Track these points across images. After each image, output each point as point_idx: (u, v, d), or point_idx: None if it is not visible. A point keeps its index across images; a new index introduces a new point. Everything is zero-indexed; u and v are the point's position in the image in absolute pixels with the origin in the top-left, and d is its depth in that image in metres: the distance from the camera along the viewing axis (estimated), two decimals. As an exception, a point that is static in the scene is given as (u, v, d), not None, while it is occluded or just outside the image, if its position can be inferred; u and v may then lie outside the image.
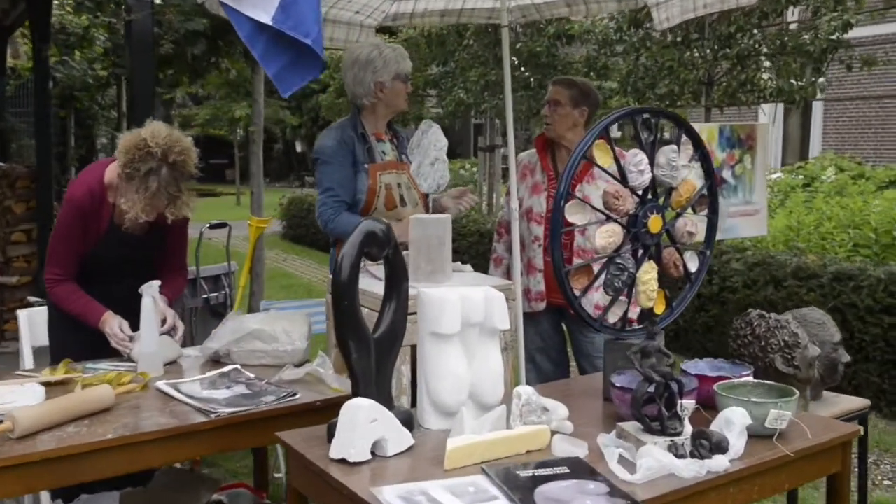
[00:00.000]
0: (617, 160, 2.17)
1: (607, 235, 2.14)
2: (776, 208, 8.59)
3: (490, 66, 8.85)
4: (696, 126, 6.18)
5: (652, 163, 2.20)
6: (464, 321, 2.02)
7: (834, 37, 5.51)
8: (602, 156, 2.16)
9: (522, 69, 8.48)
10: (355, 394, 1.95)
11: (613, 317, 2.29)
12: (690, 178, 2.31)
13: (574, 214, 2.14)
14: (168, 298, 2.81)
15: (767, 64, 6.02)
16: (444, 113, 9.99)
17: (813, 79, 5.91)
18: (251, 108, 20.13)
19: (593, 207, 2.16)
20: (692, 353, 6.02)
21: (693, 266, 2.40)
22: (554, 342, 3.54)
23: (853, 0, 5.44)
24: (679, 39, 6.75)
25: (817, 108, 15.19)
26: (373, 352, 1.96)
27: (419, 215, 2.75)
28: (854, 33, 6.04)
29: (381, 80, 3.03)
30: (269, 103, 22.86)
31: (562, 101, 3.34)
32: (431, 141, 2.70)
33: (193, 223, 2.89)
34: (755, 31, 6.13)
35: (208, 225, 4.15)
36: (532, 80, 8.35)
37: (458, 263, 2.92)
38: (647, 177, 2.19)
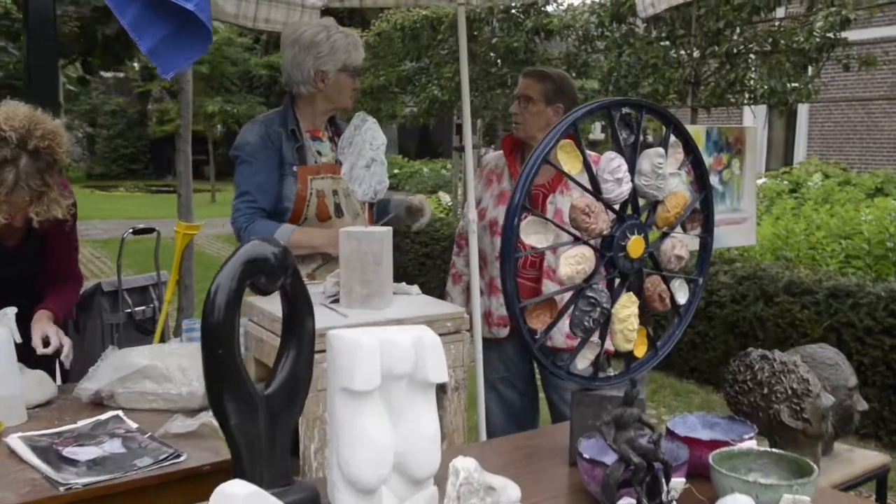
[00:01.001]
0: (588, 166, 1.71)
1: (575, 262, 1.67)
2: (762, 215, 8.23)
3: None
4: None
5: (633, 170, 1.74)
6: (386, 373, 1.55)
7: (830, 34, 5.09)
8: (568, 160, 1.69)
9: (499, 65, 8.03)
10: (237, 471, 1.47)
11: (583, 362, 1.82)
12: (680, 188, 1.85)
13: (532, 234, 1.68)
14: (56, 315, 2.36)
15: (758, 62, 5.60)
16: (419, 111, 9.52)
17: (807, 80, 5.49)
18: (226, 104, 19.27)
19: (556, 225, 1.70)
20: (675, 373, 5.59)
21: (682, 297, 1.94)
22: (520, 371, 3.08)
23: (851, -6, 5.03)
24: (664, 35, 6.33)
25: (802, 111, 14.88)
26: (262, 414, 1.49)
27: (350, 228, 2.28)
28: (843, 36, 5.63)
29: (324, 70, 2.56)
30: (245, 98, 22.43)
31: (533, 96, 2.88)
32: (366, 139, 2.22)
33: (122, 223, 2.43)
34: (745, 28, 5.71)
35: (131, 230, 3.65)
36: (510, 77, 7.90)
37: (403, 284, 2.45)
38: (627, 187, 1.73)
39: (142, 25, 1.74)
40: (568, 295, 1.74)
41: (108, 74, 24.95)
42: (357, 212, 2.63)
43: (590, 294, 1.71)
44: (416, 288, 2.48)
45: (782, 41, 5.48)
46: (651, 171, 1.75)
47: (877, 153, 14.18)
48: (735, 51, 5.71)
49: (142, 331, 3.69)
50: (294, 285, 1.53)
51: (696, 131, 5.76)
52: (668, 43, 6.30)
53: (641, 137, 1.80)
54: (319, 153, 2.64)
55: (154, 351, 2.19)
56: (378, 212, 2.77)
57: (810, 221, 7.63)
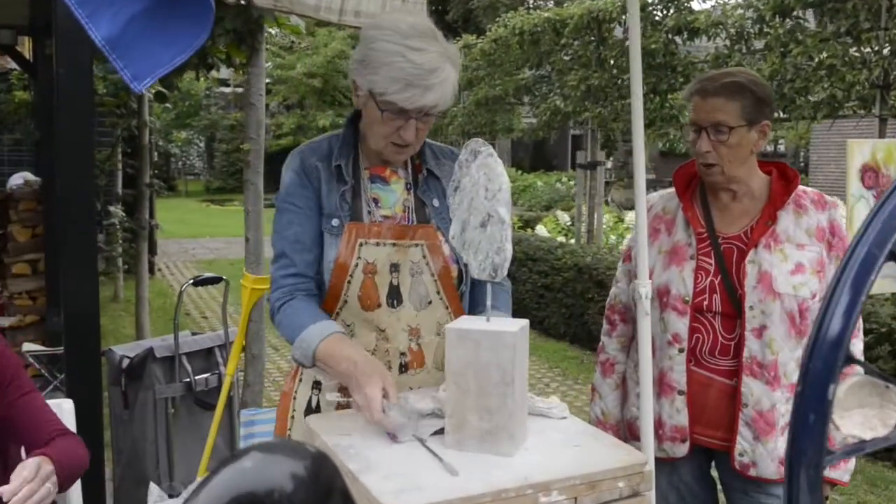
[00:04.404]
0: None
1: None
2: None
3: (592, 68, 7.45)
4: (866, 143, 4.41)
5: None
6: None
7: None
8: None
9: (632, 71, 7.03)
10: None
11: None
12: None
13: (854, 411, 0.79)
14: (55, 461, 1.66)
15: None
16: (539, 123, 8.63)
17: None
18: (338, 118, 19.29)
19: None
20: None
21: None
22: (698, 500, 2.16)
23: None
24: (843, 30, 5.20)
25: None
26: None
27: (461, 323, 1.44)
28: None
29: (356, 81, 1.68)
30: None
31: (729, 122, 1.91)
32: (478, 181, 1.37)
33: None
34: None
35: (191, 281, 2.97)
36: (645, 83, 6.89)
37: (538, 401, 1.60)
38: None
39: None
40: None
41: (227, 90, 25.36)
42: (427, 300, 1.72)
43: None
44: (558, 405, 1.61)
45: None
46: None
47: None
48: (944, 45, 4.56)
49: (203, 405, 2.99)
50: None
51: (890, 147, 4.63)
52: (849, 39, 5.17)
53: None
54: (376, 202, 1.75)
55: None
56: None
57: None
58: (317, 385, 1.77)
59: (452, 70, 1.62)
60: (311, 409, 1.76)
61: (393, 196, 1.76)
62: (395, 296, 1.69)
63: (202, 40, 1.01)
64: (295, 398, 1.79)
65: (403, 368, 1.72)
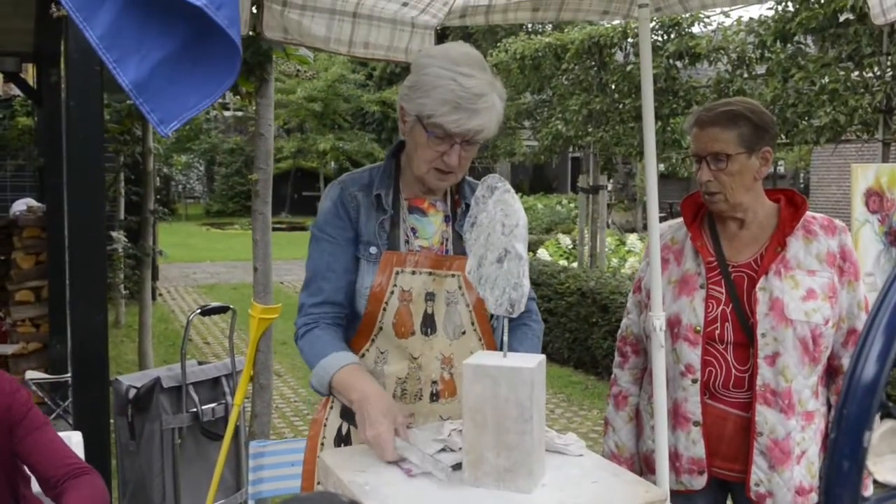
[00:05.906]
0: None
1: None
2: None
3: (594, 92, 7.49)
4: (870, 168, 4.38)
5: None
6: None
7: None
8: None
9: (633, 97, 7.08)
10: None
11: None
12: None
13: (886, 457, 0.77)
14: None
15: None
16: (540, 147, 8.66)
17: None
18: (338, 141, 19.35)
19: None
20: None
21: None
22: (716, 534, 2.14)
23: None
24: (845, 56, 5.23)
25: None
26: None
27: (479, 358, 1.43)
28: None
29: (404, 106, 1.71)
30: (357, 135, 22.26)
31: (728, 150, 1.94)
32: (495, 217, 1.38)
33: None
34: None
35: (199, 311, 2.96)
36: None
37: (556, 436, 1.58)
38: None
39: (122, 40, 0.96)
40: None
41: (228, 113, 25.52)
42: (461, 330, 1.74)
43: None
44: (575, 441, 1.60)
45: None
46: None
47: None
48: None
49: (209, 436, 2.97)
50: None
51: (895, 172, 4.64)
52: (850, 64, 5.20)
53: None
54: (414, 232, 1.77)
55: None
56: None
57: None
58: (346, 413, 1.78)
59: (498, 100, 1.67)
60: (341, 437, 1.78)
61: (430, 227, 1.78)
62: (429, 324, 1.72)
63: (229, 84, 1.01)
64: (325, 425, 1.81)
65: (435, 397, 1.74)
